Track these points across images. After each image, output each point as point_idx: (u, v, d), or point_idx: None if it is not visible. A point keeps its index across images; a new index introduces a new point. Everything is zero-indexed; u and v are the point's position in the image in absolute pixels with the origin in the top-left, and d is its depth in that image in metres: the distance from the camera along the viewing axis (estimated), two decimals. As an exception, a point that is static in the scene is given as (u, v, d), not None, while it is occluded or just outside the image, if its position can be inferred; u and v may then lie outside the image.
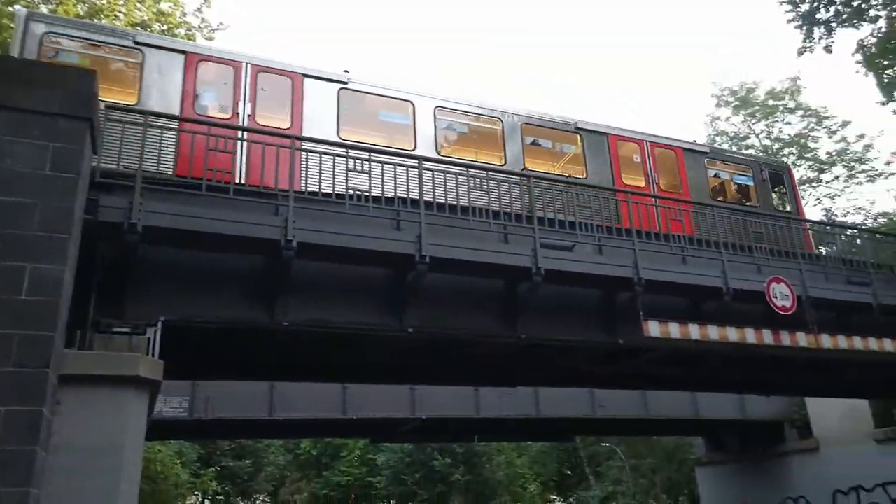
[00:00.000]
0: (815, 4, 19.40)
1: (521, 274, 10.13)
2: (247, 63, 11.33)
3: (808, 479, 22.26)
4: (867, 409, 20.76)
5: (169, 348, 8.19)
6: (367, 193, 9.65)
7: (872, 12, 19.40)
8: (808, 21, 19.72)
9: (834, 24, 19.67)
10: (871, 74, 20.18)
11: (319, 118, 11.48)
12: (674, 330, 10.79)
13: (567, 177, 12.35)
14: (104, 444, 6.94)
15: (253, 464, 41.00)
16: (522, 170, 11.76)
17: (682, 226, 12.21)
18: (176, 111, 10.40)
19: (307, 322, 9.74)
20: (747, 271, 11.99)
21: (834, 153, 38.17)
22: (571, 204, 11.04)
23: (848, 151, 38.12)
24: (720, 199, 14.88)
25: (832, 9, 19.44)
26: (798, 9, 19.74)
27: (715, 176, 15.33)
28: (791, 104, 39.24)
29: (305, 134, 10.94)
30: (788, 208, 16.28)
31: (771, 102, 39.36)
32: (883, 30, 19.39)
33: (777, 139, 39.49)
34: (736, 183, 15.68)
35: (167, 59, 10.79)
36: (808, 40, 20.01)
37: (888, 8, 19.22)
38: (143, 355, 7.70)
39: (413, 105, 12.27)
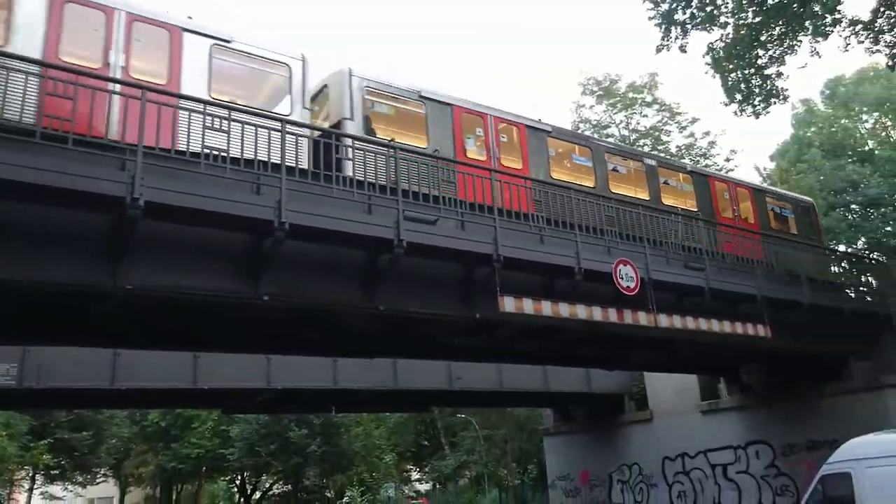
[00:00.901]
0: (674, 5, 20.55)
1: (383, 245, 10.08)
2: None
3: (642, 447, 24.11)
4: (696, 384, 22.72)
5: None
6: (225, 154, 9.18)
7: (722, 19, 20.83)
8: (666, 20, 20.85)
9: (689, 26, 20.92)
10: (717, 76, 21.72)
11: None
12: (528, 306, 11.20)
13: (435, 152, 12.32)
14: None
15: (94, 436, 38.41)
16: (390, 141, 11.63)
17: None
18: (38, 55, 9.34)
19: (156, 287, 9.19)
20: (598, 253, 12.63)
21: (683, 147, 41.18)
22: (437, 178, 11.08)
23: (695, 147, 41.30)
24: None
25: (688, 11, 20.72)
26: (659, 8, 20.84)
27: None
28: (649, 98, 41.79)
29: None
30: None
31: (631, 95, 41.69)
32: (730, 36, 20.91)
33: (634, 130, 41.93)
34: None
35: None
36: (665, 39, 21.15)
37: (735, 16, 20.75)
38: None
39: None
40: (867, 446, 10.93)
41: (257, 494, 46.02)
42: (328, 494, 44.50)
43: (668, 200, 16.66)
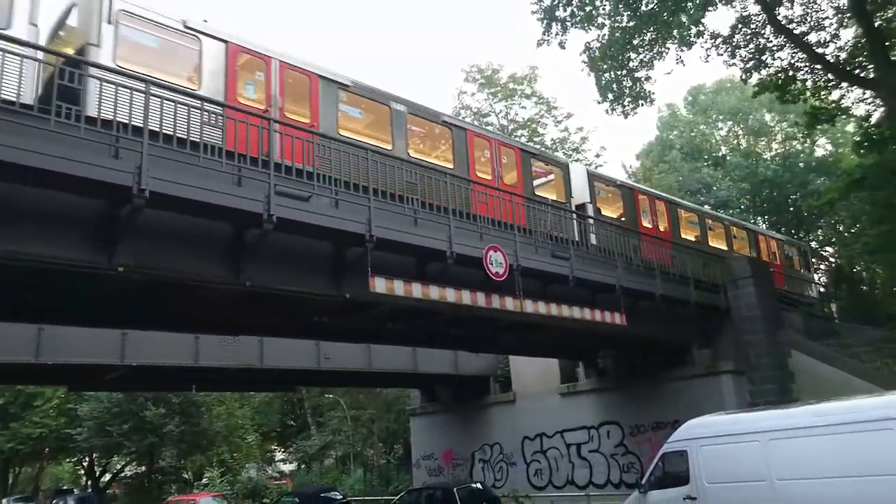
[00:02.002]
0: (555, 2, 21.20)
1: (251, 219, 9.72)
2: None
3: (504, 428, 25.00)
4: (557, 368, 23.79)
5: None
6: (80, 113, 8.46)
7: (600, 20, 21.78)
8: (548, 16, 21.51)
9: (569, 24, 21.71)
10: (592, 75, 22.68)
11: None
12: (398, 287, 11.23)
13: (311, 126, 11.99)
14: None
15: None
16: (265, 112, 11.17)
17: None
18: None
19: (-6, 254, 8.36)
20: (471, 238, 12.85)
21: (557, 141, 42.72)
22: (312, 155, 10.80)
23: (568, 141, 42.97)
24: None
25: (569, 9, 21.44)
26: (542, 2, 21.43)
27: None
28: (528, 90, 42.98)
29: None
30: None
31: (511, 86, 42.69)
32: (606, 37, 21.88)
33: (513, 120, 43.00)
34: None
35: None
36: (546, 34, 21.85)
37: (612, 19, 21.71)
38: None
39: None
40: (701, 427, 11.88)
41: (107, 476, 43.48)
42: (186, 476, 42.80)
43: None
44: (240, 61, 11.98)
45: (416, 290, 11.54)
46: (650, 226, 20.42)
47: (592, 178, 19.45)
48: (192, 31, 11.36)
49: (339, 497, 22.22)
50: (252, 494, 30.79)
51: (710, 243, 22.43)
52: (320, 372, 23.48)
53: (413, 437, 29.60)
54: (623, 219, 19.71)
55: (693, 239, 21.64)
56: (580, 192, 18.58)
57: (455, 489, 16.85)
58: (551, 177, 18.20)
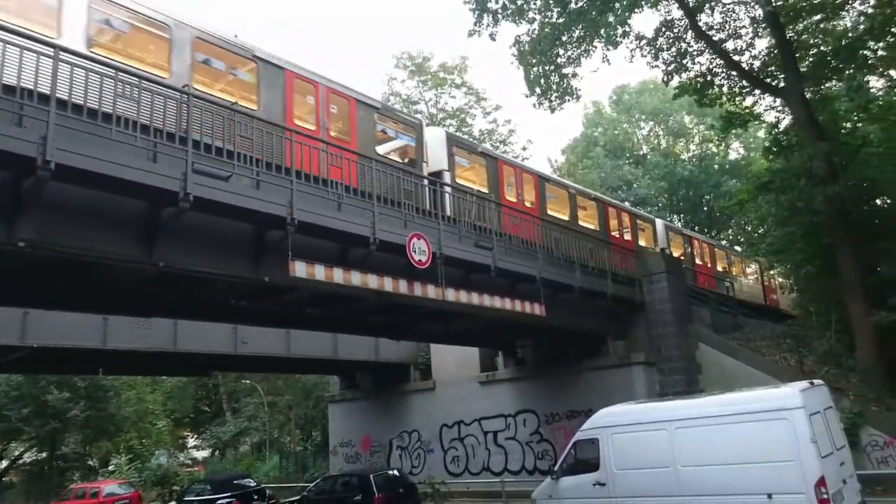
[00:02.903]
0: (488, -7, 21.26)
1: (167, 197, 9.33)
2: None
3: (423, 415, 25.15)
4: (477, 356, 24.08)
5: None
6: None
7: (531, 14, 22.01)
8: (480, 6, 21.58)
9: (500, 16, 21.85)
10: (521, 69, 22.92)
11: None
12: (319, 272, 11.06)
13: (233, 103, 11.58)
14: None
15: None
16: (184, 87, 10.70)
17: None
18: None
19: None
20: (395, 225, 12.79)
21: (485, 132, 43.07)
22: (233, 133, 10.45)
23: (496, 133, 43.39)
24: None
25: (501, 1, 21.57)
26: (474, -8, 21.45)
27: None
28: (458, 80, 43.10)
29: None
30: None
31: (442, 75, 42.71)
32: (536, 32, 22.14)
33: (442, 109, 43.06)
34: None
35: None
36: (478, 24, 21.92)
37: (542, 14, 21.98)
38: None
39: None
40: (612, 416, 12.28)
41: (3, 463, 41.18)
42: (91, 463, 41.11)
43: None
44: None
45: (338, 275, 11.39)
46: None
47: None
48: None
49: (253, 484, 21.81)
50: (161, 482, 29.85)
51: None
52: (237, 357, 22.96)
53: (331, 423, 29.39)
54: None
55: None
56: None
57: (371, 476, 16.80)
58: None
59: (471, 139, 20.29)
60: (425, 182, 14.86)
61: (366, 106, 15.15)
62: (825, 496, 9.23)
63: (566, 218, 20.66)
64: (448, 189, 15.64)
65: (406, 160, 16.05)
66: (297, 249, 10.84)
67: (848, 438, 11.46)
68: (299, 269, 10.74)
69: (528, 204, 19.46)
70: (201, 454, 52.64)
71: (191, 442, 54.91)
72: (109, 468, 39.79)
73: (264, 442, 41.19)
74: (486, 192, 17.77)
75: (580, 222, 21.38)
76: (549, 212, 20.02)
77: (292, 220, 10.51)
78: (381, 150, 15.37)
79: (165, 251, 10.09)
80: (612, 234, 22.73)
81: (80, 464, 40.02)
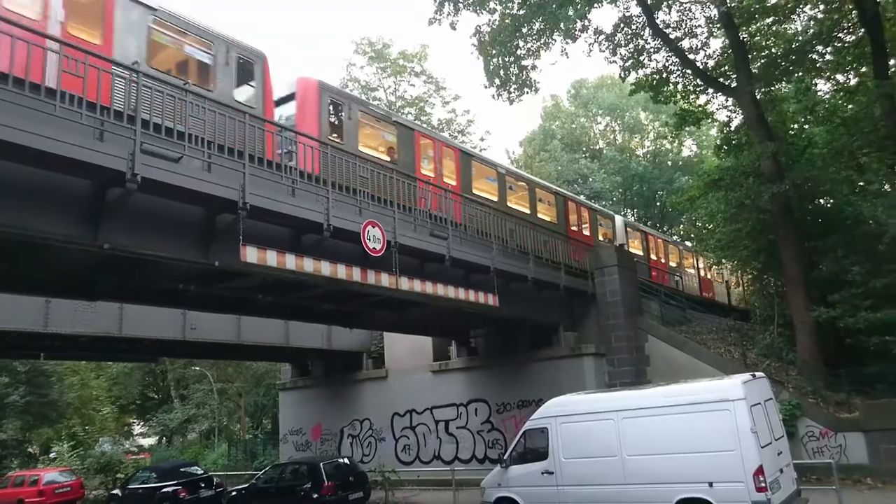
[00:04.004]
0: (449, -19, 21.16)
1: (114, 177, 9.04)
2: None
3: (375, 403, 25.08)
4: (430, 346, 24.11)
5: None
6: None
7: (492, 4, 22.00)
8: (441, -6, 21.46)
9: (461, 5, 21.78)
10: (481, 59, 22.91)
11: None
12: (271, 258, 10.88)
13: (185, 83, 11.25)
14: None
15: None
16: (133, 63, 10.35)
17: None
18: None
19: None
20: (349, 212, 12.66)
21: (444, 121, 43.01)
22: (184, 113, 10.17)
23: (454, 122, 43.36)
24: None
25: (462, -10, 21.48)
26: (436, -21, 21.32)
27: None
28: (418, 68, 42.88)
29: None
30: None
31: (401, 62, 42.41)
32: (496, 22, 22.14)
33: (401, 97, 42.80)
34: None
35: None
36: (438, 13, 21.81)
37: (503, 5, 21.99)
38: None
39: None
40: (561, 406, 12.48)
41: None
42: (31, 450, 39.89)
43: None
44: None
45: (290, 261, 11.23)
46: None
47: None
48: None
49: (200, 472, 21.49)
50: (105, 469, 29.11)
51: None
52: (186, 343, 22.49)
53: (282, 411, 29.11)
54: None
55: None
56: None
57: (321, 464, 16.69)
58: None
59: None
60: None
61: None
62: (763, 484, 9.55)
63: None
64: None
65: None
66: (248, 234, 10.64)
67: (786, 429, 11.87)
68: (250, 254, 10.55)
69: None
70: (148, 442, 51.64)
71: (137, 429, 53.81)
72: (50, 455, 38.71)
73: (213, 429, 40.60)
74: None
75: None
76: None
77: (244, 204, 10.29)
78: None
79: (111, 233, 9.78)
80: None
81: (19, 451, 38.77)
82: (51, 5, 10.01)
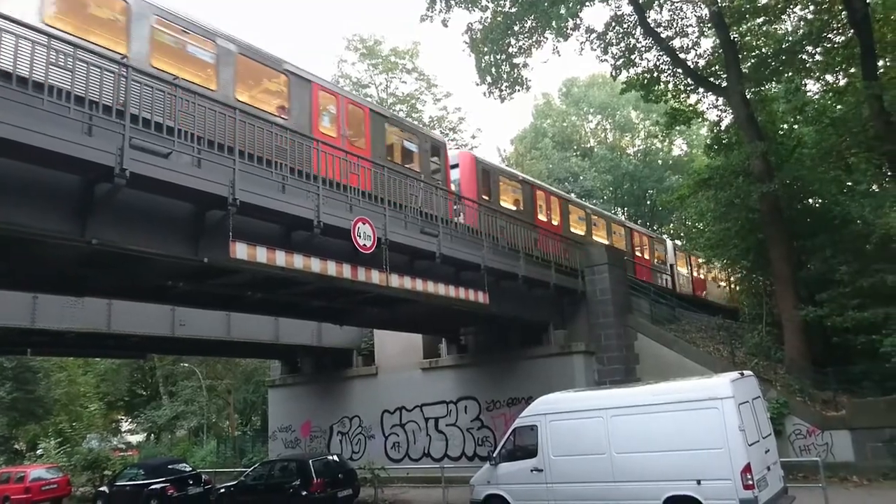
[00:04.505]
0: (441, -22, 21.11)
1: (102, 172, 8.97)
2: None
3: (365, 401, 25.03)
4: (420, 343, 24.10)
5: None
6: None
7: (484, 2, 21.98)
8: (433, -11, 21.41)
9: (453, 2, 21.74)
10: (473, 56, 22.89)
11: None
12: (261, 254, 10.84)
13: (174, 78, 11.18)
14: None
15: None
16: (122, 58, 10.25)
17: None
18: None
19: None
20: (340, 209, 12.62)
21: (435, 119, 42.94)
22: (174, 108, 10.10)
23: (446, 119, 43.30)
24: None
25: (454, -13, 21.44)
26: (427, -23, 21.27)
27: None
28: (409, 65, 42.80)
29: None
30: None
31: (393, 59, 42.31)
32: (488, 20, 22.13)
33: (392, 94, 42.70)
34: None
35: None
36: (430, 10, 21.76)
37: (495, 2, 21.97)
38: None
39: None
40: (550, 404, 12.52)
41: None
42: (17, 446, 39.60)
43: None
44: None
45: (280, 258, 11.19)
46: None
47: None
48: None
49: (189, 469, 21.39)
50: (92, 466, 28.91)
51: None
52: (175, 339, 22.35)
53: (271, 408, 29.02)
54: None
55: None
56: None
57: (311, 461, 16.66)
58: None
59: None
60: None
61: None
62: (750, 482, 9.62)
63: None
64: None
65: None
66: (238, 231, 10.59)
67: (773, 427, 11.95)
68: (240, 250, 10.50)
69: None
70: (136, 438, 51.35)
71: (124, 426, 53.48)
72: (37, 452, 38.42)
73: (202, 426, 40.42)
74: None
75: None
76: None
77: (234, 200, 10.24)
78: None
79: (99, 228, 9.70)
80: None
81: (5, 447, 38.54)
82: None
